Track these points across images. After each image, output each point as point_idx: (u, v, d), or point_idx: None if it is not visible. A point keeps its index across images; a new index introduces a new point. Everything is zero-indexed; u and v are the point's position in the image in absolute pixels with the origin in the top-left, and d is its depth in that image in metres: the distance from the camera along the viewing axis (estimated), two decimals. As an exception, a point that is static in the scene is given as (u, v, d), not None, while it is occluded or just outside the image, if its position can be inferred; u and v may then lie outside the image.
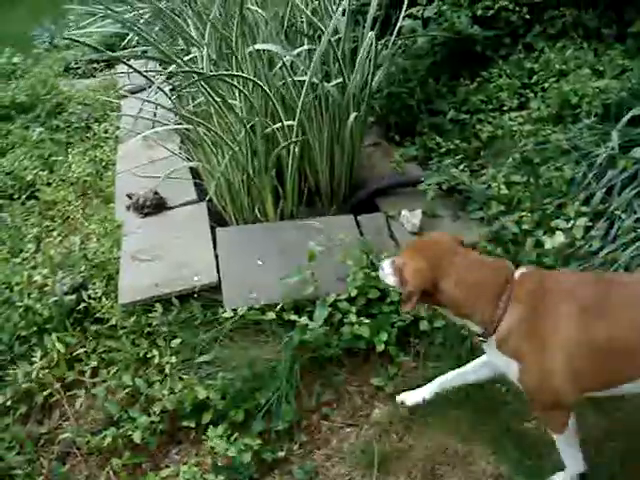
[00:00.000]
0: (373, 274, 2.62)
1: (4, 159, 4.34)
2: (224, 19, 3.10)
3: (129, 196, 3.38)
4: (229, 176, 2.88)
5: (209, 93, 2.68)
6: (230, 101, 2.72)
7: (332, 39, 2.80)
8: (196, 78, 2.62)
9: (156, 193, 3.34)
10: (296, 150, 2.78)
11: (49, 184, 3.95)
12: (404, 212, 2.97)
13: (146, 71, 3.37)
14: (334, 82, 2.90)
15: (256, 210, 2.93)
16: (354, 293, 2.58)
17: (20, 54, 6.48)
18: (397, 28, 3.18)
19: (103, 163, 4.06)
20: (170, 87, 3.63)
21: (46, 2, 9.18)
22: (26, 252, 3.18)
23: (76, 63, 6.15)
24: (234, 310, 2.56)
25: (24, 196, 3.94)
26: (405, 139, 3.77)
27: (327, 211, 3.08)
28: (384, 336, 2.52)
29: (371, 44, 2.86)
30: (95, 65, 5.95)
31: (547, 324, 1.69)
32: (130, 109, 4.59)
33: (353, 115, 2.89)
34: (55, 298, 2.73)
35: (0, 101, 5.01)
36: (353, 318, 2.50)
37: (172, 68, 2.98)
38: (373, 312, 2.60)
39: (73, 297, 2.73)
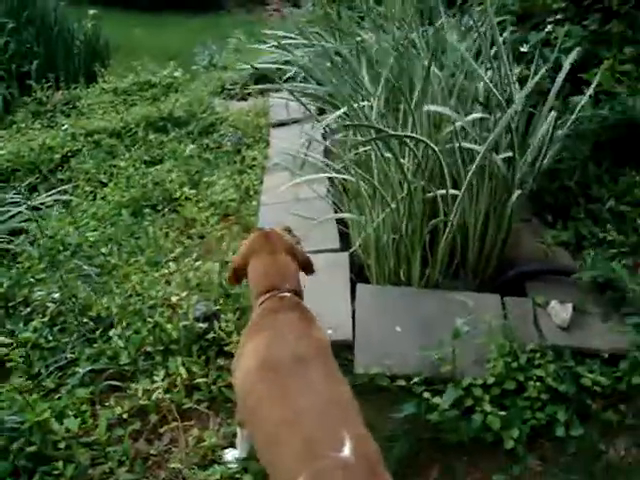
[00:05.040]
0: (514, 364, 2.48)
1: (154, 169, 4.50)
2: (397, 72, 3.07)
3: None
4: (379, 233, 2.81)
5: (379, 148, 2.62)
6: (402, 160, 2.66)
7: (511, 111, 2.69)
8: (374, 135, 2.56)
9: (289, 231, 3.32)
10: (455, 220, 2.67)
11: (191, 201, 4.04)
12: (553, 303, 2.78)
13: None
14: (503, 155, 2.78)
15: (401, 272, 2.83)
16: (491, 381, 2.44)
17: (180, 69, 6.82)
18: (577, 110, 3.02)
19: (250, 191, 4.10)
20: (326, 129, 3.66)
21: (210, 25, 9.72)
22: (163, 268, 3.24)
23: (231, 85, 6.37)
24: (366, 372, 2.47)
25: (166, 209, 4.05)
26: (557, 221, 3.58)
27: (471, 285, 2.94)
28: (515, 433, 2.36)
29: (551, 124, 2.73)
30: (249, 90, 6.12)
31: (250, 337, 1.93)
32: (280, 140, 4.68)
33: (517, 193, 2.75)
34: (186, 322, 2.74)
35: (159, 112, 5.23)
36: (487, 407, 2.36)
37: (340, 113, 2.96)
38: (506, 404, 2.44)
39: (204, 325, 2.73)
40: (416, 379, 2.44)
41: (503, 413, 2.36)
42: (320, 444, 1.50)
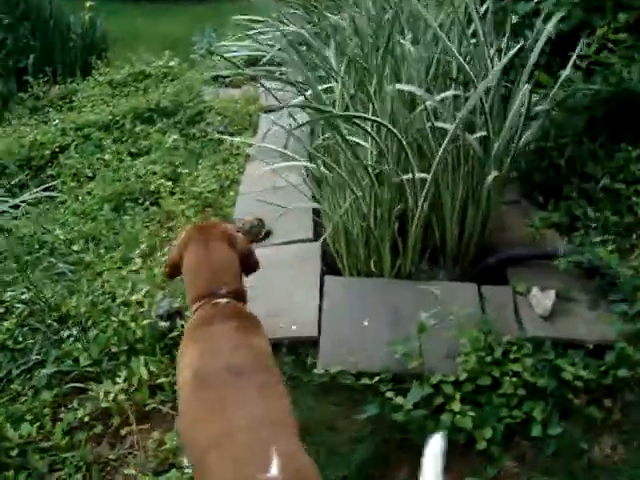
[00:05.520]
0: (488, 359, 2.33)
1: (138, 161, 4.41)
2: (368, 52, 2.91)
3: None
4: (348, 222, 2.67)
5: (340, 134, 2.47)
6: (362, 142, 2.51)
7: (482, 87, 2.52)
8: (319, 116, 2.41)
9: (260, 220, 3.21)
10: (425, 206, 2.51)
11: (173, 194, 3.93)
12: (535, 291, 2.61)
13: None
14: (477, 134, 2.61)
15: (371, 263, 2.69)
16: (463, 377, 2.29)
17: (177, 58, 6.70)
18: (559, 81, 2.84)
19: (227, 182, 3.99)
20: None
21: (212, 12, 9.59)
22: (134, 265, 3.15)
23: (225, 72, 6.23)
24: (326, 370, 2.35)
25: (148, 202, 3.95)
26: (549, 201, 3.38)
27: (450, 273, 2.78)
28: (488, 433, 2.20)
29: (525, 99, 2.55)
30: (241, 77, 5.98)
31: (182, 354, 1.79)
32: (267, 126, 4.54)
33: (493, 174, 2.58)
34: (149, 320, 2.65)
35: (147, 103, 5.13)
36: (456, 406, 2.21)
37: (302, 98, 2.82)
38: (480, 401, 2.29)
39: (166, 324, 2.63)
40: (381, 376, 2.31)
41: (473, 414, 2.20)
42: (247, 466, 1.37)
